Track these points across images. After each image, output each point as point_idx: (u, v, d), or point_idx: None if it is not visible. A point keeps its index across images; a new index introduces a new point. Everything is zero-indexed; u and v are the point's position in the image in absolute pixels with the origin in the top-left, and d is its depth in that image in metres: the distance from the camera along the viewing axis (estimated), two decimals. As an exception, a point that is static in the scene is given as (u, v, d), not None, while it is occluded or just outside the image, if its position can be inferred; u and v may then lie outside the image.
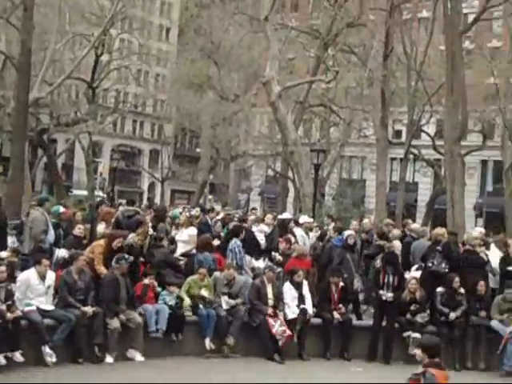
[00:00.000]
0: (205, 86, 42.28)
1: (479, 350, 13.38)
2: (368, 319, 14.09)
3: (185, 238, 14.59)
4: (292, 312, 13.15)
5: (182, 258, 14.24)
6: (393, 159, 49.19)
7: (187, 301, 12.70)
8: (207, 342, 12.61)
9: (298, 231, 16.07)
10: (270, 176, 55.26)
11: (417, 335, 13.02)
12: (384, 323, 13.51)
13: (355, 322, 13.86)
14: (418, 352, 7.02)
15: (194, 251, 14.15)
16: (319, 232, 17.12)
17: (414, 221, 25.64)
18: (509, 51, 38.70)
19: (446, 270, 13.98)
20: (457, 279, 13.61)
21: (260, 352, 12.86)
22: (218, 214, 18.94)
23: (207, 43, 39.76)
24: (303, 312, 13.18)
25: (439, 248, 14.24)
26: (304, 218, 17.25)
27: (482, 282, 13.74)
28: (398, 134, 48.68)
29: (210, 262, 13.70)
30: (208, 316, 12.67)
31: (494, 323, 13.34)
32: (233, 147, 43.24)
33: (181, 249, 14.50)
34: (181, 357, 12.31)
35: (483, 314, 13.51)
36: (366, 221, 18.15)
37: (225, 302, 12.88)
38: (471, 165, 47.73)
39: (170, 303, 12.48)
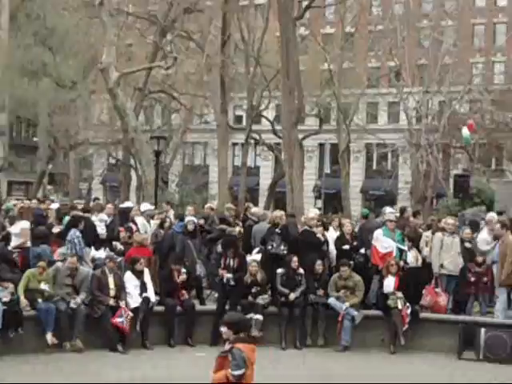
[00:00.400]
0: (40, 72, 40.75)
1: (318, 328, 13.83)
2: (211, 304, 14.19)
3: (17, 231, 14.08)
4: (134, 301, 13.04)
5: (15, 251, 13.73)
6: (234, 144, 49.86)
7: (23, 300, 12.28)
8: (48, 336, 12.27)
9: (140, 219, 15.92)
10: (111, 164, 54.26)
11: (259, 317, 13.31)
12: (227, 307, 13.67)
13: (198, 307, 13.94)
14: (224, 330, 7.07)
15: (29, 244, 13.68)
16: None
17: (256, 204, 26.23)
18: (341, 38, 40.18)
19: (285, 252, 14.31)
20: (294, 259, 13.93)
21: (103, 343, 12.68)
22: (51, 203, 18.47)
23: (41, 28, 38.39)
24: (146, 300, 13.12)
25: (278, 230, 14.56)
26: (145, 206, 17.12)
27: (318, 262, 14.14)
28: (238, 119, 49.32)
29: (48, 255, 13.32)
30: (48, 310, 12.32)
31: (331, 300, 13.81)
32: (72, 135, 42.12)
33: (14, 242, 13.98)
34: (20, 354, 11.85)
35: (321, 292, 13.95)
36: (206, 206, 18.35)
37: (73, 303, 12.56)
38: (310, 148, 49.29)
39: (4, 299, 11.98)
